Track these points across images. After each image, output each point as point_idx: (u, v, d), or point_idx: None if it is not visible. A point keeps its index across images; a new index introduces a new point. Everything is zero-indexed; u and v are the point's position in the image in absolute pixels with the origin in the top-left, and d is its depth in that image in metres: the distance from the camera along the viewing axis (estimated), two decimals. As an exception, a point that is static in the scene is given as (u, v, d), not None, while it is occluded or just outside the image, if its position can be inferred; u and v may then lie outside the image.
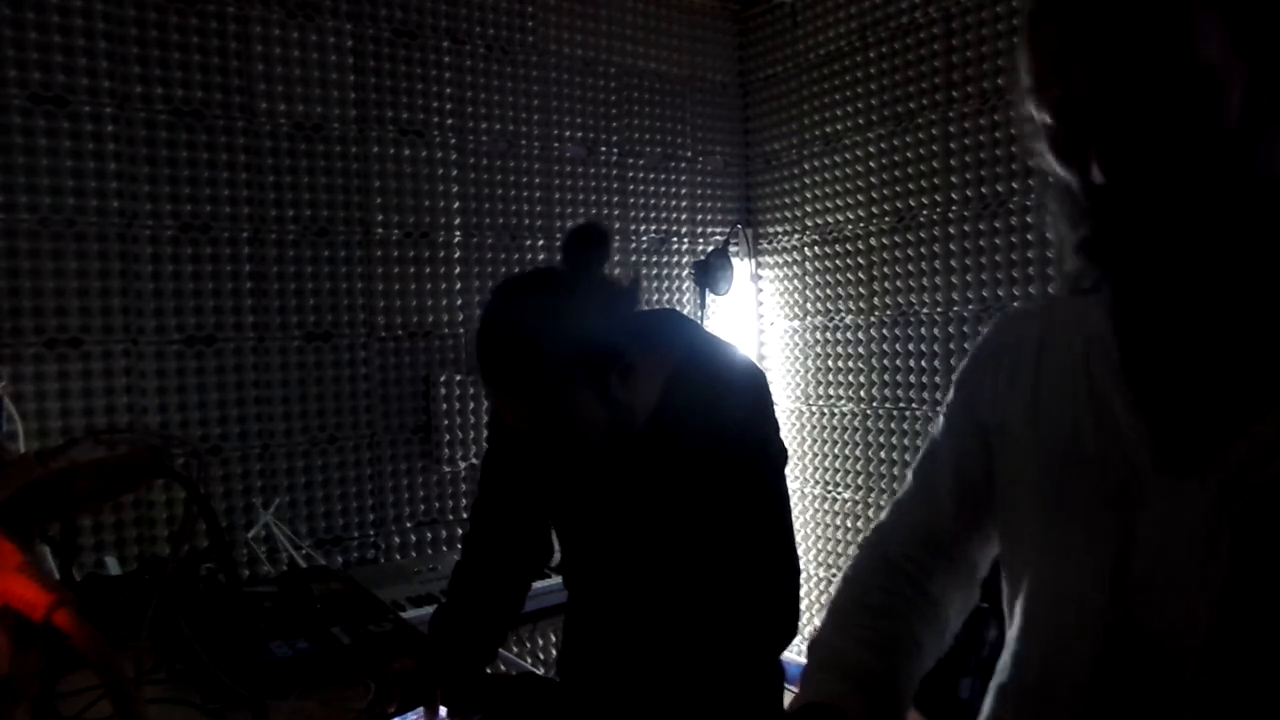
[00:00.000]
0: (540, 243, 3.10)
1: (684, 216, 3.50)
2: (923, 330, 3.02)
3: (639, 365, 1.18)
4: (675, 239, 3.47)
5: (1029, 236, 2.69)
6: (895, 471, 3.13)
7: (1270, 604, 0.64)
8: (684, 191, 3.50)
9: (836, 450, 3.34)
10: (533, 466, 1.38)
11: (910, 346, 3.06)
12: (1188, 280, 0.68)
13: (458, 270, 2.92)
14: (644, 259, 3.38)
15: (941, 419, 0.96)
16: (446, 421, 2.84)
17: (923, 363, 3.02)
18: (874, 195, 3.16)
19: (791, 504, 1.30)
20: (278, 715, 1.22)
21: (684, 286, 3.47)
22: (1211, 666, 0.67)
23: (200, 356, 2.50)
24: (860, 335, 3.23)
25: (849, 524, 3.30)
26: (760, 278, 3.66)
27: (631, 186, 3.34)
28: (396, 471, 2.82)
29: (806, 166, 3.43)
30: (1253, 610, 0.65)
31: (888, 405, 3.14)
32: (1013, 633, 0.87)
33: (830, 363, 3.35)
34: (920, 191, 3.01)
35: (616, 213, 3.30)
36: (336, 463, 2.72)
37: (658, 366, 1.23)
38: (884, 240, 3.14)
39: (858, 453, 3.26)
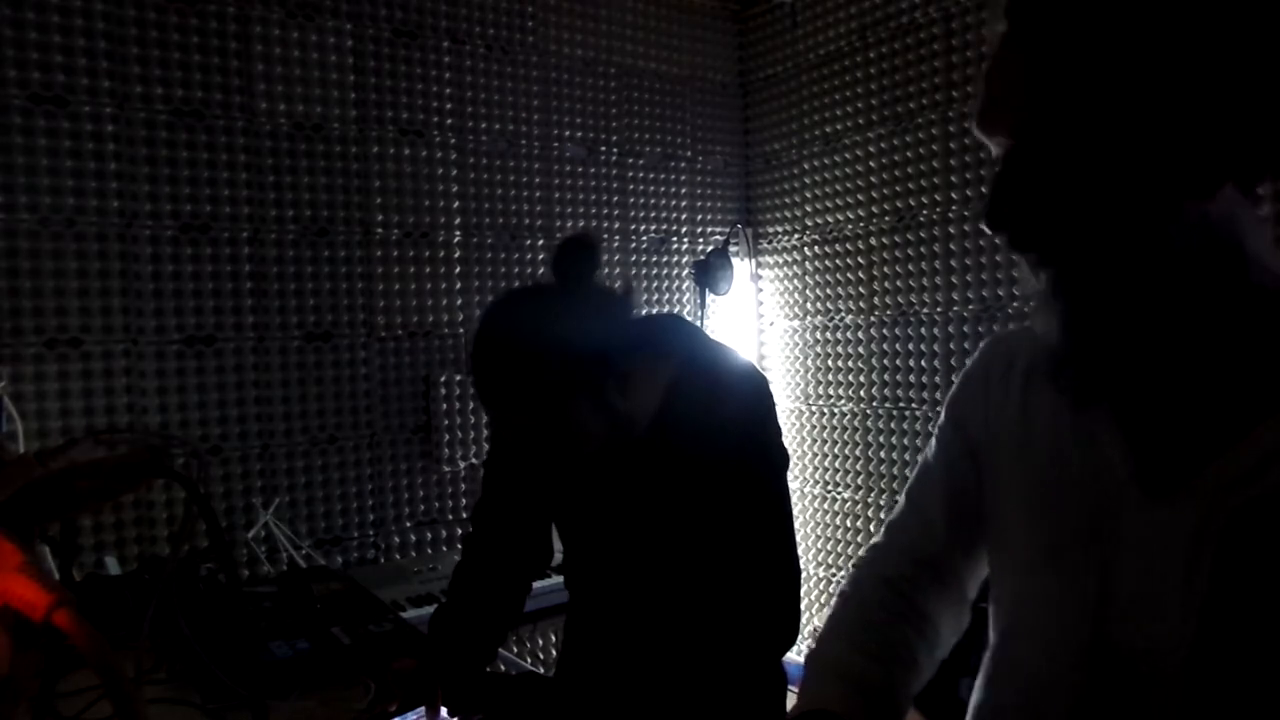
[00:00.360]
0: (540, 243, 3.10)
1: (684, 216, 3.50)
2: (923, 330, 3.02)
3: (638, 372, 1.19)
4: (675, 239, 3.47)
5: (1029, 236, 2.70)
6: (895, 471, 3.13)
7: (1248, 627, 0.65)
8: (684, 191, 3.50)
9: (836, 450, 3.34)
10: (536, 469, 1.39)
11: (910, 346, 3.06)
12: (1150, 307, 0.67)
13: (458, 270, 2.92)
14: (644, 259, 3.38)
15: (933, 441, 0.97)
16: (446, 421, 2.84)
17: (923, 363, 3.02)
18: (874, 195, 3.16)
19: (792, 505, 1.30)
20: (278, 715, 1.22)
21: (684, 286, 3.47)
22: (1189, 688, 0.67)
23: (200, 356, 2.50)
24: (860, 335, 3.23)
25: (849, 524, 3.30)
26: (760, 278, 3.66)
27: (631, 186, 3.34)
28: (396, 471, 2.82)
29: (806, 166, 3.43)
30: (1231, 633, 0.65)
31: (888, 405, 3.14)
32: (989, 654, 0.87)
33: (830, 363, 3.35)
34: (920, 191, 3.01)
35: (616, 213, 3.30)
36: (336, 463, 2.72)
37: (659, 372, 1.23)
38: (884, 240, 3.14)
39: (858, 453, 3.26)
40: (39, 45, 2.27)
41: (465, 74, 2.93)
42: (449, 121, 2.90)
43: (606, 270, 3.28)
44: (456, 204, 2.92)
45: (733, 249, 3.45)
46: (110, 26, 2.36)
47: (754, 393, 1.24)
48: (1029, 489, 0.81)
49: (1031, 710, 0.80)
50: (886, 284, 3.13)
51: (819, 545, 3.42)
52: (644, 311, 3.32)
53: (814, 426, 3.42)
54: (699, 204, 3.54)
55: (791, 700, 0.94)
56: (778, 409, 1.29)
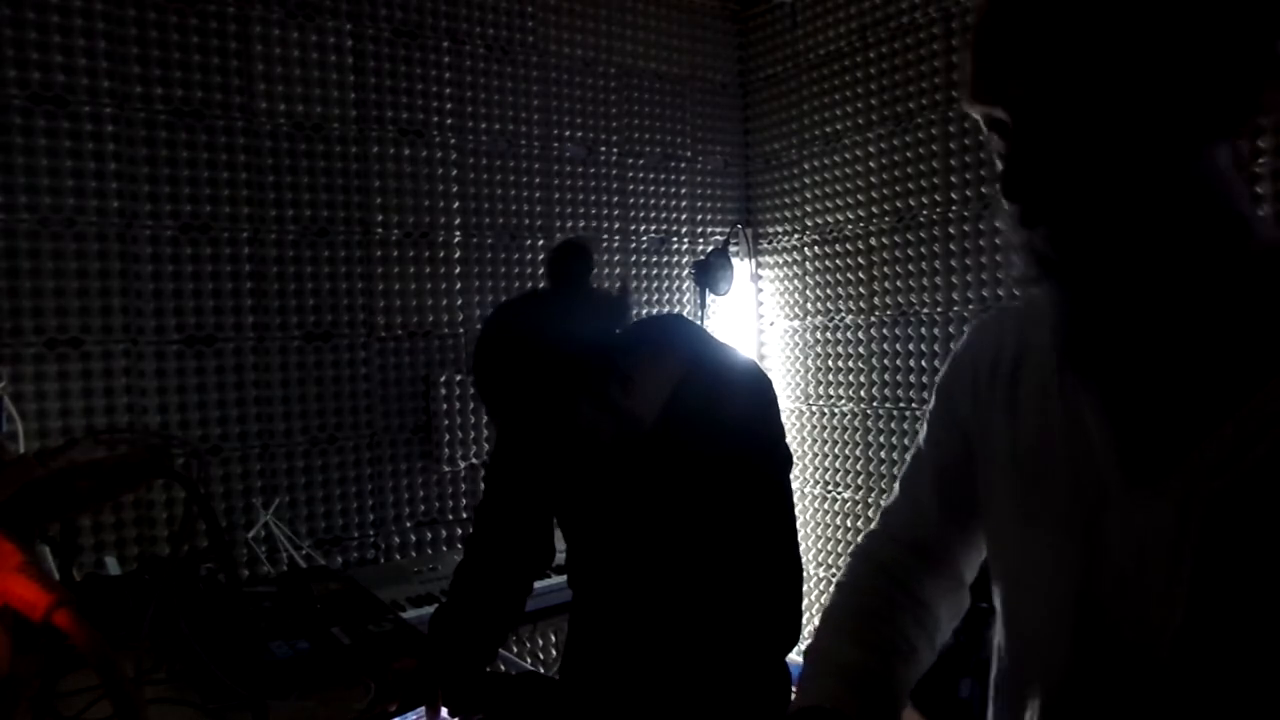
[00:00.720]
0: (540, 243, 3.10)
1: (684, 216, 3.50)
2: (923, 330, 3.02)
3: (641, 372, 1.19)
4: (675, 239, 3.47)
5: (1029, 236, 2.70)
6: (895, 471, 3.13)
7: (1235, 610, 0.65)
8: (684, 191, 3.50)
9: (836, 450, 3.34)
10: (537, 469, 1.39)
11: (910, 346, 3.06)
12: (1135, 288, 0.67)
13: (458, 270, 2.92)
14: (644, 259, 3.38)
15: (925, 425, 0.97)
16: (446, 421, 2.84)
17: (923, 363, 3.02)
18: (874, 195, 3.16)
19: (794, 504, 1.30)
20: (278, 715, 1.22)
21: (684, 286, 3.47)
22: (1178, 672, 0.67)
23: (200, 356, 2.50)
24: (860, 335, 3.23)
25: (849, 524, 3.30)
26: (760, 278, 3.66)
27: (631, 186, 3.34)
28: (396, 471, 2.82)
29: (806, 166, 3.43)
30: (1218, 617, 0.66)
31: (888, 405, 3.14)
32: (997, 633, 0.88)
33: (830, 363, 3.35)
34: (920, 191, 3.01)
35: (616, 213, 3.30)
36: (336, 463, 2.72)
37: (663, 372, 1.24)
38: (884, 240, 3.14)
39: (858, 453, 3.26)
40: (39, 45, 2.27)
41: (465, 74, 2.93)
42: (449, 121, 2.90)
43: (606, 270, 3.28)
44: (456, 204, 2.92)
45: (733, 249, 3.45)
46: (110, 26, 2.36)
47: (758, 392, 1.24)
48: (1017, 473, 0.81)
49: (1028, 690, 0.80)
50: (886, 284, 3.13)
51: (819, 545, 3.42)
52: (645, 312, 3.32)
53: (814, 426, 3.42)
54: (699, 204, 3.54)
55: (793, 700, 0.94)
56: (780, 409, 1.29)
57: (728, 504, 1.20)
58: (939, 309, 2.96)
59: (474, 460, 2.91)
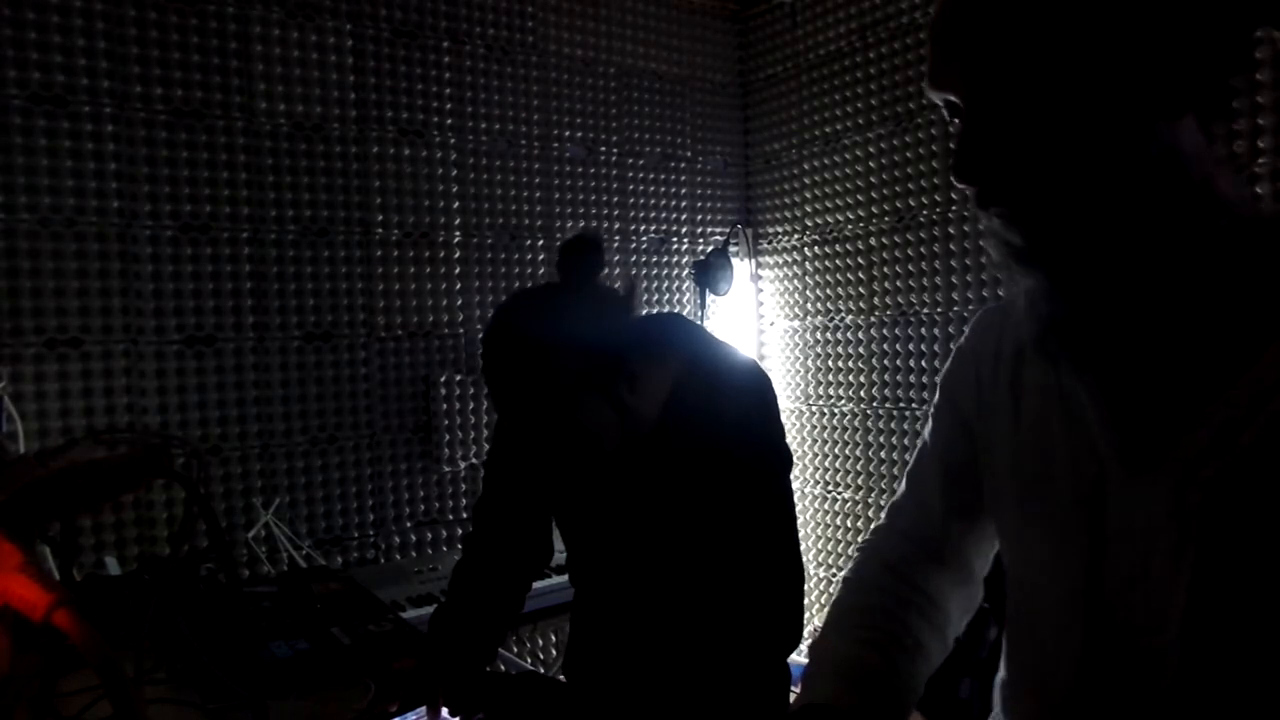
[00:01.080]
0: (540, 243, 3.10)
1: (684, 216, 3.50)
2: (923, 330, 3.02)
3: (645, 371, 1.19)
4: (675, 239, 3.47)
5: (1029, 236, 2.70)
6: (895, 471, 3.13)
7: (1238, 595, 0.65)
8: (684, 191, 3.50)
9: (836, 450, 3.34)
10: (540, 468, 1.39)
11: (910, 346, 3.06)
12: (1099, 270, 0.67)
13: (458, 270, 2.92)
14: (644, 259, 3.38)
15: (929, 420, 0.97)
16: (446, 421, 2.84)
17: (923, 363, 3.02)
18: (874, 195, 3.16)
19: (795, 505, 1.30)
20: (278, 715, 1.22)
21: (684, 286, 3.47)
22: (1186, 660, 0.67)
23: (200, 356, 2.50)
24: (860, 335, 3.23)
25: (849, 524, 3.30)
26: (760, 278, 3.66)
27: (631, 186, 3.34)
28: (396, 471, 2.82)
29: (806, 166, 3.43)
30: (1222, 602, 0.65)
31: (888, 405, 3.14)
32: (1007, 630, 0.87)
33: (830, 363, 3.35)
34: (920, 191, 3.01)
35: (616, 213, 3.30)
36: (336, 463, 2.72)
37: (663, 371, 1.23)
38: (884, 240, 3.14)
39: (858, 453, 3.26)
40: (39, 45, 2.27)
41: (465, 74, 2.93)
42: (449, 121, 2.90)
43: (606, 270, 3.27)
44: (456, 204, 2.92)
45: (733, 249, 3.45)
46: (110, 26, 2.36)
47: (758, 391, 1.24)
48: (1020, 466, 0.81)
49: (1040, 684, 0.80)
50: (886, 284, 3.13)
51: (819, 545, 3.42)
52: (645, 311, 3.32)
53: (814, 426, 3.42)
54: (699, 204, 3.54)
55: (793, 700, 0.94)
56: (780, 408, 1.29)
57: (727, 503, 1.20)
58: (939, 309, 2.96)
59: (474, 460, 2.91)
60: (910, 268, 3.05)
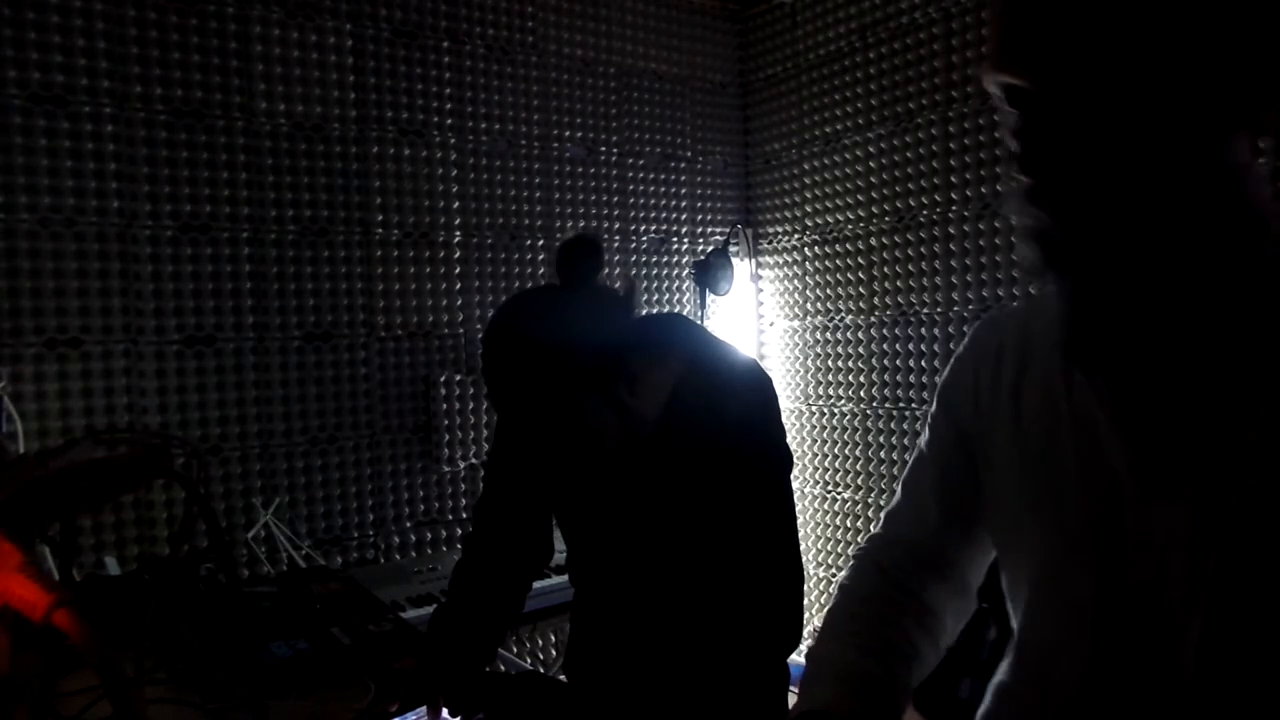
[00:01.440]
0: (540, 243, 3.10)
1: (684, 216, 3.50)
2: (923, 330, 3.02)
3: (646, 371, 1.19)
4: (675, 239, 3.47)
5: (1029, 236, 2.69)
6: (895, 471, 3.13)
7: (1256, 619, 0.64)
8: (684, 191, 3.50)
9: (836, 450, 3.34)
10: (540, 467, 1.39)
11: (910, 346, 3.06)
12: (1144, 279, 0.65)
13: (458, 270, 2.92)
14: (644, 259, 3.38)
15: (926, 429, 0.97)
16: (446, 421, 2.84)
17: (923, 363, 3.02)
18: (874, 195, 3.16)
19: (795, 506, 1.30)
20: (278, 715, 1.22)
21: (684, 286, 3.47)
22: (1200, 681, 0.67)
23: (200, 357, 2.50)
24: (860, 335, 3.23)
25: (849, 524, 3.30)
26: (760, 278, 3.66)
27: (631, 186, 3.34)
28: (396, 471, 2.82)
29: (806, 166, 3.43)
30: (1239, 624, 0.65)
31: (888, 405, 3.14)
32: (1014, 637, 0.87)
33: (830, 363, 3.35)
34: (920, 191, 3.01)
35: (616, 213, 3.30)
36: (336, 463, 2.72)
37: (664, 372, 1.23)
38: (884, 240, 3.14)
39: (858, 453, 3.26)
40: (39, 45, 2.27)
41: (465, 74, 2.93)
42: (449, 121, 2.90)
43: (606, 270, 3.28)
44: (456, 204, 2.92)
45: (733, 249, 3.45)
46: (110, 26, 2.36)
47: (757, 391, 1.24)
48: (1024, 478, 0.80)
49: (1044, 699, 0.80)
50: (886, 284, 3.13)
51: (819, 545, 3.42)
52: (645, 311, 3.32)
53: (814, 426, 3.42)
54: (699, 204, 3.54)
55: (792, 700, 0.94)
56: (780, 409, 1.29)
57: (727, 504, 1.20)
58: (939, 309, 2.96)
59: (474, 460, 2.91)
60: (910, 268, 3.05)
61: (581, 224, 3.19)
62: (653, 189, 3.40)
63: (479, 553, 1.46)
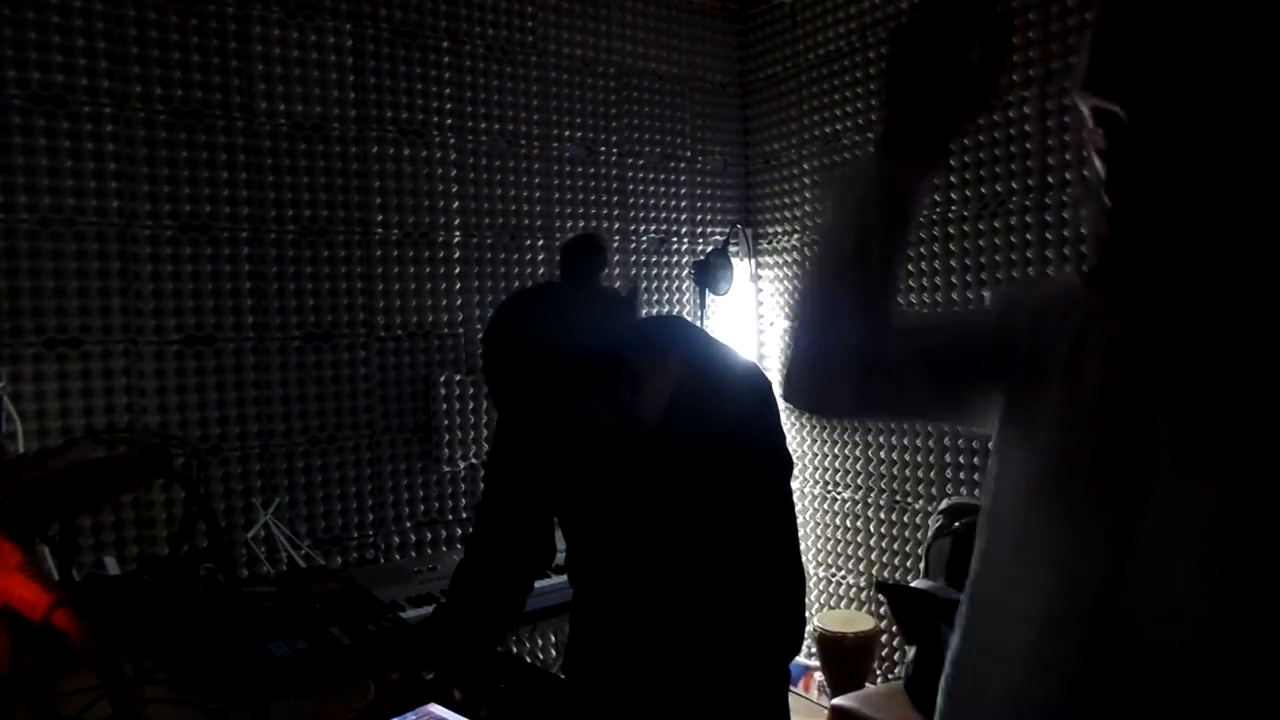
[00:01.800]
0: (540, 243, 3.10)
1: (684, 216, 3.50)
2: (922, 330, 3.01)
3: (647, 373, 1.19)
4: (675, 239, 3.47)
5: (1029, 236, 2.69)
6: (895, 472, 3.13)
7: (1263, 607, 0.64)
8: (684, 191, 3.50)
9: (836, 450, 3.34)
10: (541, 467, 1.39)
11: (910, 346, 3.06)
12: (1213, 312, 0.67)
13: (458, 270, 2.92)
14: (644, 259, 3.38)
15: (969, 308, 0.97)
16: (446, 421, 2.84)
17: (922, 363, 3.02)
18: (874, 195, 3.15)
19: (794, 507, 1.30)
20: (277, 715, 1.22)
21: (684, 286, 3.47)
22: (1199, 658, 0.67)
23: (200, 357, 2.50)
24: (860, 335, 3.22)
25: (849, 524, 3.30)
26: (760, 278, 3.66)
27: (631, 186, 3.34)
28: (396, 471, 2.82)
29: (806, 166, 3.43)
30: (1245, 612, 0.65)
31: (887, 405, 3.14)
32: (967, 610, 0.86)
33: (830, 363, 3.34)
34: (920, 191, 3.00)
35: (616, 213, 3.30)
36: (336, 463, 2.72)
37: (664, 374, 1.24)
38: (884, 240, 3.13)
39: (857, 453, 3.26)
40: (39, 45, 2.27)
41: (465, 74, 2.93)
42: (449, 121, 2.90)
43: (607, 270, 3.27)
44: (456, 204, 2.92)
45: (733, 249, 3.45)
46: (110, 26, 2.36)
47: (757, 394, 1.24)
48: (1063, 430, 0.79)
49: (1021, 681, 0.78)
50: (886, 284, 3.13)
51: (819, 545, 3.42)
52: (645, 312, 3.32)
53: (814, 426, 3.41)
54: (699, 204, 3.54)
55: (793, 700, 0.93)
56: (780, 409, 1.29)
57: (727, 506, 1.20)
58: (939, 309, 2.96)
59: (474, 460, 2.91)
60: (910, 268, 3.05)
61: (581, 224, 3.19)
62: (652, 189, 3.40)
63: (481, 553, 1.46)
